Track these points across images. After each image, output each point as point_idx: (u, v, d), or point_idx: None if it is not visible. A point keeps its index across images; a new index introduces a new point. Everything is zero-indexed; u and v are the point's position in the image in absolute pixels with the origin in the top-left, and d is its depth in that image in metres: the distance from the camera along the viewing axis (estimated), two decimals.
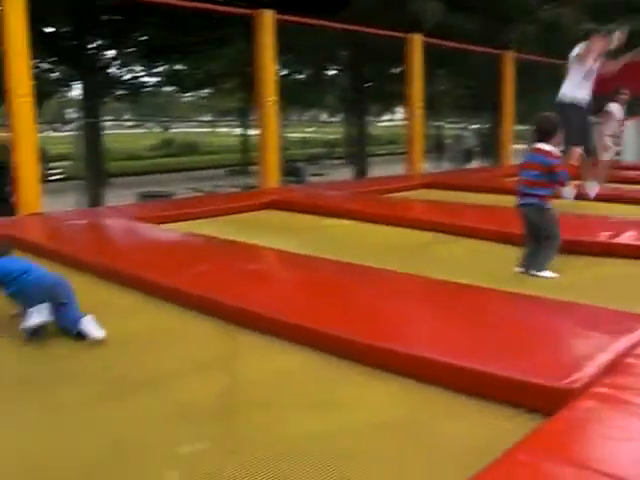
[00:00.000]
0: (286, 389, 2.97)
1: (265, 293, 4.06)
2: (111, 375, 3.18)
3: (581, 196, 7.95)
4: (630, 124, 19.21)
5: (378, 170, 18.98)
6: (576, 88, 8.12)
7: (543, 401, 2.63)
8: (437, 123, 44.45)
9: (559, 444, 2.26)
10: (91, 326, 3.53)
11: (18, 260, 3.96)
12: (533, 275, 4.92)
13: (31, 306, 3.54)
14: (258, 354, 3.37)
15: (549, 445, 2.24)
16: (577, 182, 8.30)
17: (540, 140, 5.07)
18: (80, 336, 3.53)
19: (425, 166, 13.39)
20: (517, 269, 5.04)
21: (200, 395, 2.90)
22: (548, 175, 4.99)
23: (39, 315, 3.51)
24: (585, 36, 8.34)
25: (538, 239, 5.03)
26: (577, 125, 7.93)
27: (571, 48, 8.57)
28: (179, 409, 2.78)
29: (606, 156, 10.46)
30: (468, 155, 31.23)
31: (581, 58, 8.01)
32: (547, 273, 4.95)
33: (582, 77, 8.10)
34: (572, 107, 8.08)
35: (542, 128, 5.12)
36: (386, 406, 2.78)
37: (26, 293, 3.61)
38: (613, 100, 10.71)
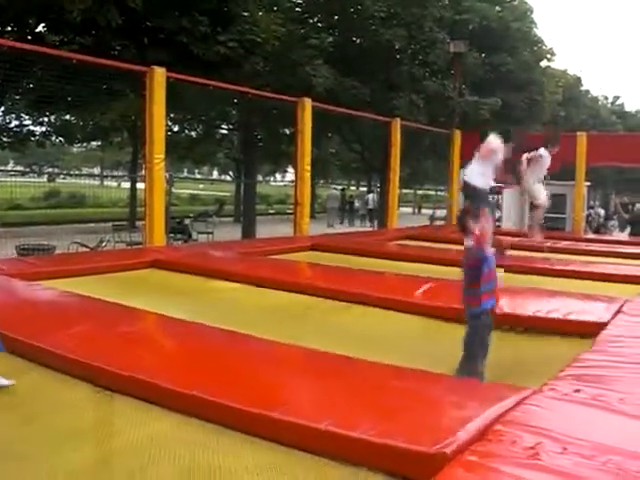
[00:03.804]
0: (162, 457, 2.88)
1: (140, 357, 3.95)
2: None
3: None
4: (507, 192, 20.19)
5: (267, 229, 19.05)
6: (480, 176, 8.46)
7: (416, 466, 2.66)
8: (341, 185, 45.32)
9: None
10: None
11: None
12: None
13: None
14: (133, 421, 3.25)
15: None
16: None
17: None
18: None
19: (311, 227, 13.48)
20: None
21: (74, 466, 2.76)
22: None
23: None
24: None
25: None
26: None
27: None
28: None
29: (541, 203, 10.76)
30: (372, 215, 32.19)
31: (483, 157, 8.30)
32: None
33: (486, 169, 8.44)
34: (475, 190, 8.39)
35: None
36: (263, 474, 2.74)
37: None
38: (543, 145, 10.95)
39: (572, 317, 5.43)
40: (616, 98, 57.70)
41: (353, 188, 49.33)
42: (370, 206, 33.62)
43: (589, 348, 4.41)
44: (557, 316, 5.47)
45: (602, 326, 5.06)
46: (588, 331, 5.08)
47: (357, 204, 37.49)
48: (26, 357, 4.15)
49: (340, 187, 43.98)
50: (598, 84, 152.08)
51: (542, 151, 10.86)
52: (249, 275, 7.35)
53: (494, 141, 8.30)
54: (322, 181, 47.62)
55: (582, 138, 16.38)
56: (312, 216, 17.96)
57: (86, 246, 14.00)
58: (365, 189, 47.28)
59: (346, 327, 5.55)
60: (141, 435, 3.09)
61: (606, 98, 56.50)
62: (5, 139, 22.91)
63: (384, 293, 6.39)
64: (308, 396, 3.44)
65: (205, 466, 2.79)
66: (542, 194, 10.87)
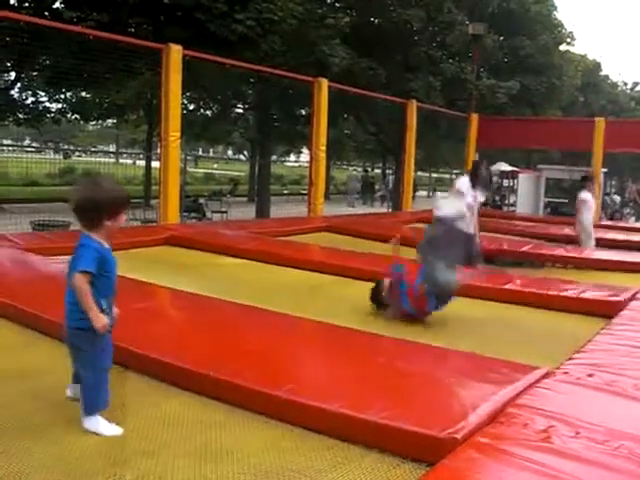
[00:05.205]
0: (173, 436, 2.87)
1: (154, 334, 3.95)
2: None
3: None
4: (522, 177, 20.09)
5: (281, 209, 19.05)
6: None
7: (426, 450, 2.65)
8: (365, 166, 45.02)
9: None
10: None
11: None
12: None
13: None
14: (145, 400, 3.25)
15: None
16: None
17: None
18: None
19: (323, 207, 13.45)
20: None
21: (86, 444, 2.75)
22: None
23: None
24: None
25: None
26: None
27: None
28: (63, 459, 2.61)
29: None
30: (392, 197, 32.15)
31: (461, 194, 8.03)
32: None
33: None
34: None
35: None
36: (274, 454, 2.73)
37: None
38: (583, 188, 10.84)
39: (587, 300, 5.43)
40: (635, 84, 57.08)
41: (368, 170, 49.18)
42: (390, 187, 33.62)
43: (603, 332, 4.39)
44: (572, 297, 5.48)
45: (616, 311, 5.05)
46: (603, 315, 5.08)
47: (377, 185, 37.60)
48: (38, 330, 4.18)
49: (360, 168, 44.00)
50: (617, 70, 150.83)
51: (583, 195, 10.67)
52: (261, 252, 7.38)
53: (459, 182, 8.37)
54: (338, 162, 47.51)
55: (600, 124, 16.21)
56: (327, 197, 17.95)
57: None
58: (380, 171, 47.28)
59: (356, 304, 5.54)
60: (153, 415, 3.08)
61: (625, 84, 55.96)
62: (21, 116, 22.94)
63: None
64: (321, 376, 3.44)
65: (217, 446, 2.78)
66: (591, 243, 10.51)
